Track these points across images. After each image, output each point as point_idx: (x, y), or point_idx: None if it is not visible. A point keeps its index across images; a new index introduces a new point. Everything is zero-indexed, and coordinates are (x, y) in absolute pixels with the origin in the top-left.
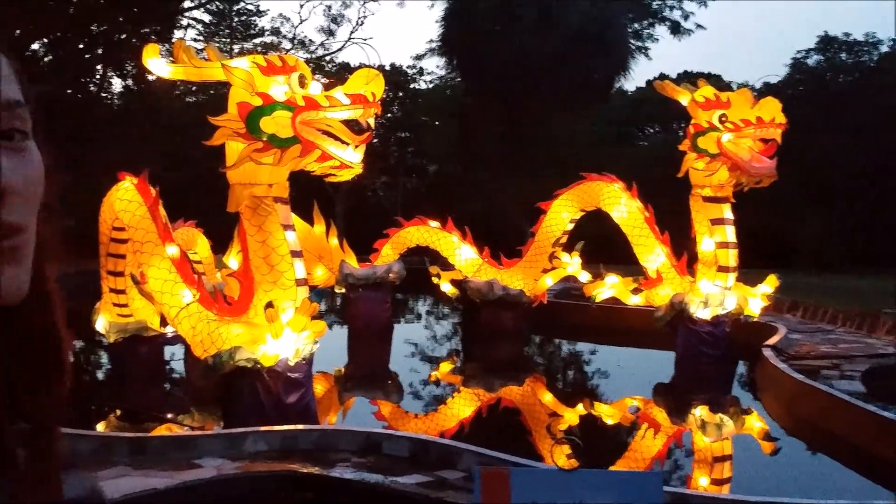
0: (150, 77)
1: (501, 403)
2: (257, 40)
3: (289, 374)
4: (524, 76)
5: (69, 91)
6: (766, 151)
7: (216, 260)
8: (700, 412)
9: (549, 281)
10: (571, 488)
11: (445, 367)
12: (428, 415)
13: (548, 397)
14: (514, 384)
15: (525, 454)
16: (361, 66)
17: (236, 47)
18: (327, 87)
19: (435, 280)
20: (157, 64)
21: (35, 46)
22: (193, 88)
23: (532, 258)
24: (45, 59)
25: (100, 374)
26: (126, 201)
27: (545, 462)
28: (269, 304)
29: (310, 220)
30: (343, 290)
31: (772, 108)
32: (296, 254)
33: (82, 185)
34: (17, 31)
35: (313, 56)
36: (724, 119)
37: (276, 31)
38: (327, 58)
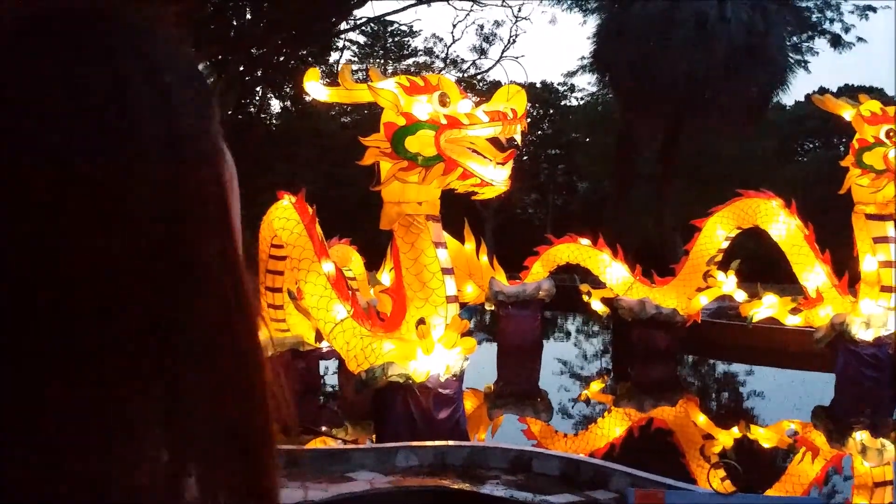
0: (308, 98)
1: (653, 424)
2: (410, 60)
3: (440, 389)
4: (680, 91)
5: (231, 112)
6: None
7: (370, 277)
8: (861, 436)
9: (703, 300)
10: None
11: (596, 385)
12: (578, 434)
13: (701, 419)
14: (667, 404)
15: (677, 476)
16: (512, 83)
17: (390, 67)
18: (477, 106)
19: (585, 298)
20: (315, 88)
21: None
22: (348, 109)
23: (686, 276)
24: (209, 81)
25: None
26: (284, 219)
27: (698, 485)
28: (421, 321)
29: (461, 238)
30: (493, 308)
31: None
32: (447, 271)
33: (243, 203)
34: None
35: (465, 75)
36: (891, 134)
37: (428, 51)
38: (479, 77)
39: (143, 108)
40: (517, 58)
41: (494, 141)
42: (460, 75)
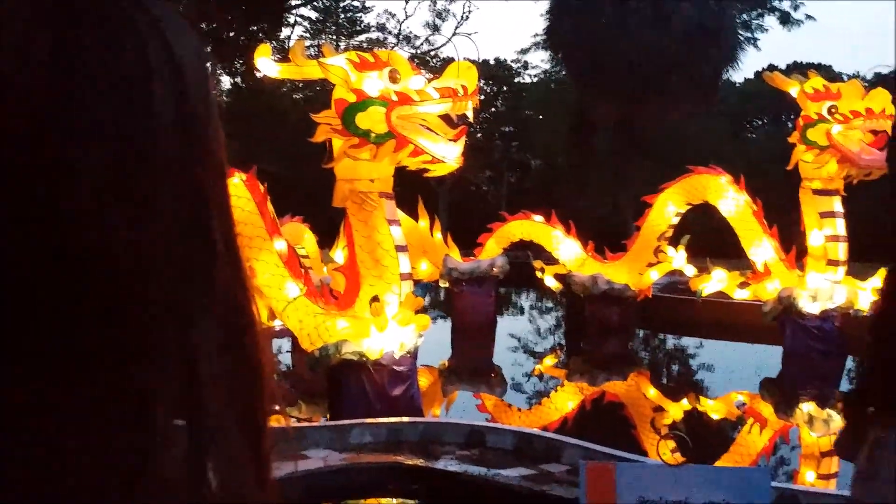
0: (259, 75)
1: (605, 398)
2: (363, 37)
3: (394, 367)
4: (634, 69)
5: None
6: (877, 143)
7: (323, 255)
8: (808, 407)
9: (654, 275)
10: (678, 484)
11: (549, 361)
12: (531, 408)
13: (652, 392)
14: (619, 378)
15: (629, 449)
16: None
17: (343, 44)
18: (430, 82)
19: (539, 274)
20: (266, 64)
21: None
22: (300, 86)
23: (637, 252)
24: None
25: None
26: (235, 197)
27: (650, 457)
28: (375, 298)
29: (415, 216)
30: (447, 285)
31: (882, 99)
32: (401, 248)
33: None
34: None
35: (418, 51)
36: (833, 110)
37: (381, 28)
38: (432, 53)
39: (163, 88)
40: (470, 34)
41: (446, 118)
42: (413, 52)
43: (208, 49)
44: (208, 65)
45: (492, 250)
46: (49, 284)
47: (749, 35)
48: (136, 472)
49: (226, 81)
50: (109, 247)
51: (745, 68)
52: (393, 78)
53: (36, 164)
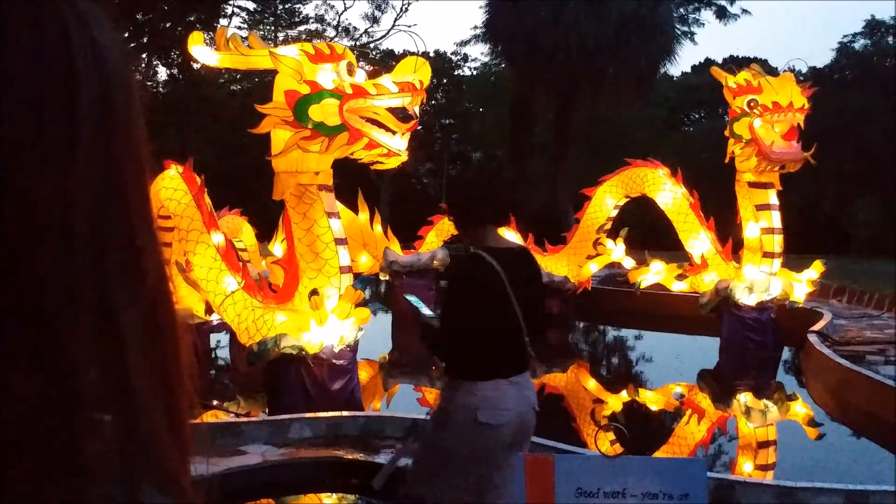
0: (196, 66)
1: (545, 390)
2: (301, 28)
3: (333, 360)
4: (572, 62)
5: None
6: (790, 136)
7: (261, 248)
8: (745, 398)
9: (593, 267)
10: (615, 475)
11: None
12: None
13: (592, 383)
14: (558, 370)
15: (569, 441)
16: (406, 52)
17: (281, 35)
18: (372, 75)
19: None
20: (203, 52)
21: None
22: (237, 77)
23: (576, 245)
24: None
25: None
26: (171, 189)
27: (589, 449)
28: (314, 292)
29: (354, 208)
30: (387, 278)
31: (789, 93)
32: (340, 241)
33: None
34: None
35: (357, 43)
36: (753, 104)
37: (320, 19)
38: (371, 45)
39: (85, 69)
40: (410, 27)
41: (393, 111)
42: (353, 43)
43: (144, 40)
44: (131, 61)
45: (432, 243)
46: None
47: (686, 29)
48: (62, 457)
49: (162, 73)
50: (29, 219)
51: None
52: (350, 71)
53: None
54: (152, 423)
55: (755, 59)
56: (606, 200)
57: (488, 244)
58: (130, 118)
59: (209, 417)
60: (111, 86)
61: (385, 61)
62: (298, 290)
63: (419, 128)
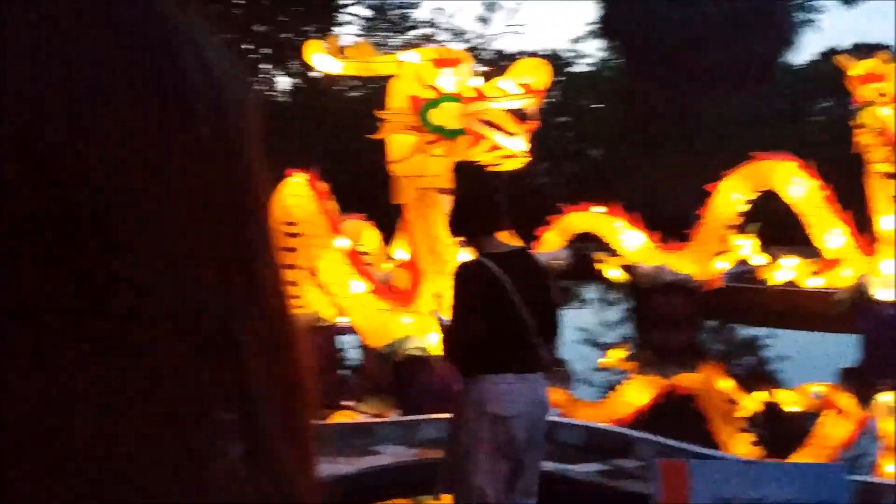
0: (314, 74)
1: (676, 391)
2: (414, 32)
3: None
4: (686, 55)
5: None
6: None
7: (384, 251)
8: (887, 398)
9: (721, 265)
10: (753, 481)
11: (616, 353)
12: (600, 402)
13: (724, 384)
14: (688, 370)
15: (702, 443)
16: (519, 53)
17: (394, 41)
18: (486, 76)
19: (600, 266)
20: (323, 60)
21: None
22: (355, 84)
23: (702, 241)
24: None
25: None
26: (296, 196)
27: (724, 451)
28: (438, 294)
29: None
30: None
31: None
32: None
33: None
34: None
35: (469, 45)
36: (881, 92)
37: (432, 23)
38: (483, 46)
39: (196, 83)
40: (522, 26)
41: (512, 112)
42: (465, 46)
43: (264, 51)
44: (249, 89)
45: (551, 243)
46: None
47: (807, 17)
48: (192, 473)
49: (283, 83)
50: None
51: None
52: (470, 74)
53: (60, 171)
54: (275, 442)
55: (884, 47)
56: (732, 196)
57: (489, 251)
58: (248, 145)
59: (342, 418)
60: (227, 116)
61: (497, 62)
62: (421, 292)
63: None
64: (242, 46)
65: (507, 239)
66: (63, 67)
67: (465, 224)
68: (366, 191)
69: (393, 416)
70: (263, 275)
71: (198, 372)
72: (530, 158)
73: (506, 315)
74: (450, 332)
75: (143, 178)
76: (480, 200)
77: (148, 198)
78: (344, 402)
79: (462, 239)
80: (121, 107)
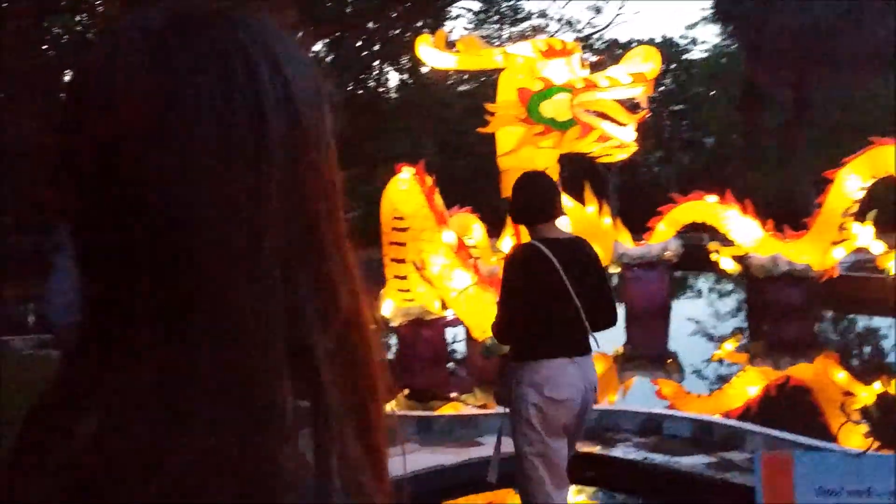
0: (424, 69)
1: (790, 382)
2: (525, 24)
3: None
4: (803, 40)
5: (350, 88)
6: None
7: (491, 244)
8: None
9: (838, 253)
10: (858, 473)
11: (729, 345)
12: (711, 394)
13: (841, 375)
14: (804, 361)
15: (816, 435)
16: (633, 41)
17: (505, 33)
18: (598, 65)
19: (713, 257)
20: (431, 54)
21: (317, 48)
22: (465, 78)
23: (819, 230)
24: (327, 60)
25: (388, 356)
26: (404, 191)
27: (837, 443)
28: None
29: (582, 201)
30: (618, 270)
31: None
32: None
33: (368, 177)
34: (300, 34)
35: (581, 35)
36: None
37: (542, 14)
38: (596, 36)
39: (271, 101)
40: (634, 13)
41: (621, 101)
42: (576, 35)
43: (376, 48)
44: (325, 97)
45: (663, 234)
46: (165, 286)
47: None
48: (260, 465)
49: (394, 79)
50: (219, 254)
51: None
52: (580, 64)
53: (142, 181)
54: (344, 438)
55: None
56: (850, 182)
57: (544, 236)
58: (321, 156)
59: (448, 410)
60: (301, 126)
61: (610, 51)
62: None
63: (649, 115)
64: (356, 45)
65: (563, 227)
66: (155, 83)
67: (522, 212)
68: (474, 184)
69: (498, 408)
70: (336, 279)
71: (274, 372)
72: (638, 148)
73: (556, 298)
74: (500, 314)
75: (220, 185)
76: (536, 189)
77: (222, 203)
78: (451, 394)
79: (526, 228)
80: (203, 123)
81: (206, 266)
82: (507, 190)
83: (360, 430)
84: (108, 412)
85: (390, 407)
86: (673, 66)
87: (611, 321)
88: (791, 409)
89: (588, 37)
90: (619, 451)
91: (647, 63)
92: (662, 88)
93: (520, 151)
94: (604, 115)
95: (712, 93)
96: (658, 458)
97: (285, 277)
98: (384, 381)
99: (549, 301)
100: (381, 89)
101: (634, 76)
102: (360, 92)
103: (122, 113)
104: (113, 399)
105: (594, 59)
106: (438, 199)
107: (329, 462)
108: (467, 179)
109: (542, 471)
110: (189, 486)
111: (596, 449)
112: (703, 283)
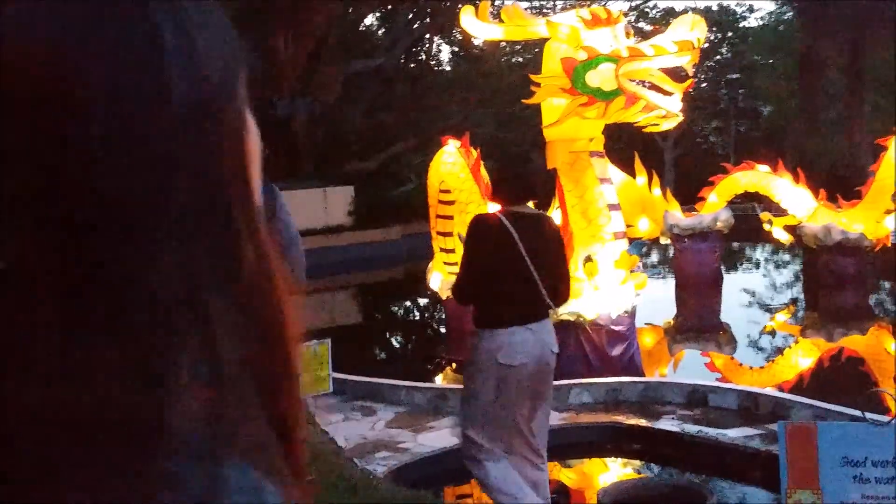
0: (476, 41)
1: (843, 354)
2: None
3: (612, 326)
4: (861, 4)
5: (402, 61)
6: None
7: None
8: None
9: (890, 222)
10: (883, 444)
11: (781, 316)
12: (763, 367)
13: (893, 346)
14: (857, 333)
15: (866, 407)
16: (687, 11)
17: (559, 3)
18: (653, 35)
19: (766, 227)
20: (475, 24)
21: (368, 21)
22: (518, 49)
23: (872, 199)
24: (379, 34)
25: (434, 330)
26: (450, 164)
27: (890, 416)
28: (588, 258)
29: (633, 173)
30: (668, 241)
31: None
32: (613, 207)
33: (421, 150)
34: (350, 9)
35: (635, 3)
36: None
37: None
38: (651, 4)
39: (175, 67)
40: None
41: (667, 71)
42: (630, 4)
43: (426, 20)
44: (243, 72)
45: (714, 204)
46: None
47: None
48: (145, 422)
49: (446, 52)
50: (121, 216)
51: None
52: (626, 33)
53: (42, 135)
54: (245, 405)
55: None
56: None
57: (510, 210)
58: (235, 135)
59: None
60: (208, 88)
61: (665, 20)
62: (573, 256)
63: (704, 85)
64: (407, 17)
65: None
66: (54, 33)
67: (503, 193)
68: (524, 156)
69: None
70: (241, 242)
71: (164, 334)
72: (692, 116)
73: (512, 268)
74: (459, 278)
75: (118, 148)
76: (518, 172)
77: (121, 169)
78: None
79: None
80: (101, 79)
81: (100, 222)
82: (551, 161)
83: (269, 405)
84: None
85: (438, 379)
86: (729, 34)
87: (564, 296)
88: (843, 380)
89: (642, 6)
90: (661, 423)
91: (694, 31)
92: (718, 58)
93: (565, 122)
94: (650, 85)
95: (770, 61)
96: (702, 429)
97: (183, 235)
98: (297, 358)
99: (505, 270)
100: (432, 62)
101: (680, 44)
102: (413, 65)
103: (11, 73)
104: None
105: (649, 28)
106: (484, 172)
107: (222, 425)
108: (519, 151)
109: (483, 436)
110: (69, 441)
111: (640, 421)
112: (762, 254)
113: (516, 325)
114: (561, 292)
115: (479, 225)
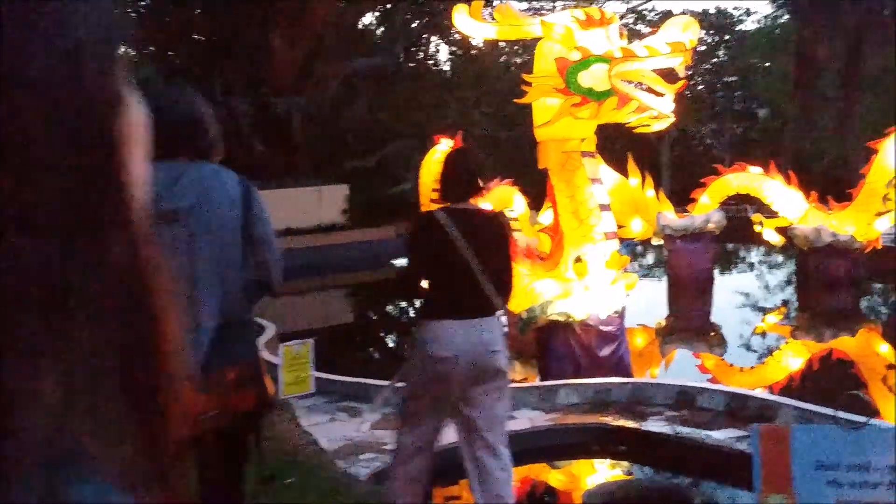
0: (473, 41)
1: (833, 355)
2: None
3: (601, 327)
4: (858, 9)
5: (401, 61)
6: None
7: (532, 216)
8: None
9: (881, 224)
10: (858, 447)
11: (771, 318)
12: (753, 368)
13: (884, 349)
14: (847, 334)
15: (854, 409)
16: (684, 13)
17: (558, 4)
18: (647, 37)
19: (757, 228)
20: (467, 23)
21: (367, 20)
22: (516, 49)
23: (863, 201)
24: (377, 33)
25: None
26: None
27: (879, 418)
28: (578, 259)
29: (625, 173)
30: (660, 242)
31: None
32: (604, 207)
33: (421, 150)
34: (346, 7)
35: (632, 5)
36: None
37: None
38: (648, 6)
39: (45, 50)
40: None
41: (660, 71)
42: (628, 6)
43: (424, 20)
44: (120, 44)
45: (706, 205)
46: None
47: None
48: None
49: (444, 51)
50: None
51: None
52: (619, 34)
53: None
54: (97, 393)
55: None
56: (893, 153)
57: (453, 206)
58: (102, 111)
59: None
60: (83, 70)
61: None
62: (563, 257)
63: (700, 87)
64: (406, 17)
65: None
66: None
67: (445, 191)
68: (519, 155)
69: (535, 381)
70: (109, 234)
71: (27, 321)
72: (688, 118)
73: (449, 264)
74: (401, 273)
75: None
76: (459, 171)
77: None
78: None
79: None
80: None
81: None
82: (543, 161)
83: (136, 411)
84: None
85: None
86: (726, 37)
87: (508, 294)
88: (832, 382)
89: (637, 9)
90: (648, 425)
91: (686, 32)
92: (715, 60)
93: (557, 122)
94: (642, 86)
95: (766, 64)
96: (688, 430)
97: (48, 224)
98: (173, 363)
99: (441, 265)
100: (430, 61)
101: (673, 46)
102: (411, 65)
103: None
104: None
105: (647, 31)
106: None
107: (66, 410)
108: (515, 151)
109: (407, 431)
110: None
111: (627, 423)
112: (755, 255)
113: (448, 319)
114: (505, 290)
115: (418, 221)
